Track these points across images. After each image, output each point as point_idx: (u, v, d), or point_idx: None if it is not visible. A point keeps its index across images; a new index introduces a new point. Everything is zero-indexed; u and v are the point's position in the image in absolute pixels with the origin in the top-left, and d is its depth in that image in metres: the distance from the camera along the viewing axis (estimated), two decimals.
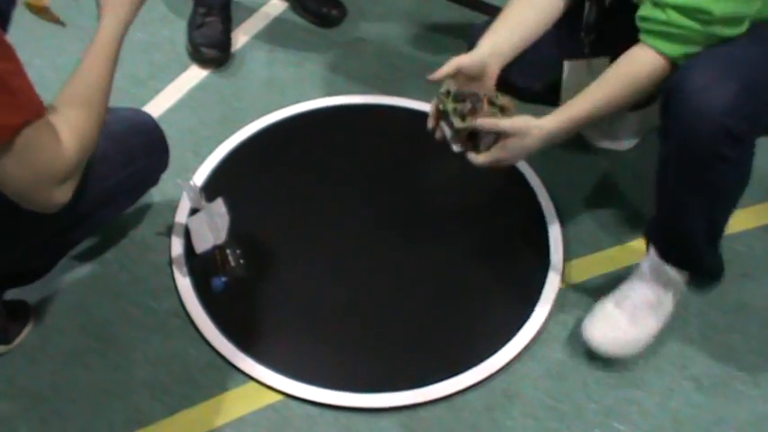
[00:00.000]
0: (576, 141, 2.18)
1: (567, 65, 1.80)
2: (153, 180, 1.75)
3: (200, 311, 1.82)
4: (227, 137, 2.22)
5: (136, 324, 1.82)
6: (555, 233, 2.01)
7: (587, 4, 1.75)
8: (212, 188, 2.00)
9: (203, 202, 1.85)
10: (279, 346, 1.79)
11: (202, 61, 2.46)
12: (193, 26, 2.47)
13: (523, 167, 2.14)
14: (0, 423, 1.65)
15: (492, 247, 2.00)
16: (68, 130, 1.31)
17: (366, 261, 1.95)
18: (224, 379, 1.73)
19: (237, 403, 1.70)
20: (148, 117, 1.70)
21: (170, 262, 1.92)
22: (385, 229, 2.02)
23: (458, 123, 1.61)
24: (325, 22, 2.62)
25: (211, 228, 1.81)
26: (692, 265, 1.78)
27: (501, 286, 1.93)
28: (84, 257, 1.93)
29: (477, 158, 1.63)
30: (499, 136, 1.60)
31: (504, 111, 1.64)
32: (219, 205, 1.81)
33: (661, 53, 1.50)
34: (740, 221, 1.98)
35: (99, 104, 1.40)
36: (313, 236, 2.00)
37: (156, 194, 2.06)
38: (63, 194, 1.32)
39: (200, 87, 2.40)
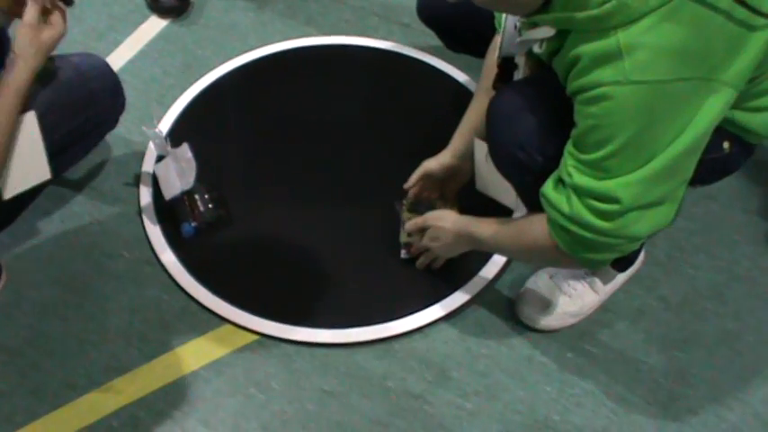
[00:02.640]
0: None
1: (476, 142, 1.70)
2: (110, 124, 1.74)
3: (171, 258, 1.83)
4: (190, 84, 2.21)
5: (109, 274, 1.82)
6: None
7: None
8: (178, 135, 1.99)
9: (169, 148, 1.84)
10: (252, 287, 1.80)
11: (161, 11, 2.43)
12: None
13: None
14: None
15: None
16: None
17: (336, 200, 1.96)
18: (199, 323, 1.75)
19: (214, 346, 1.71)
20: (99, 60, 1.68)
21: (139, 211, 1.92)
22: (353, 168, 2.02)
23: (402, 237, 1.80)
24: None
25: (179, 173, 1.81)
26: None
27: None
28: (54, 212, 1.93)
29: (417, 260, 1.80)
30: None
31: None
32: (185, 150, 1.80)
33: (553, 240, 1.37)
34: None
35: None
36: (281, 177, 2.00)
37: (121, 145, 2.05)
38: None
39: (161, 37, 2.38)
